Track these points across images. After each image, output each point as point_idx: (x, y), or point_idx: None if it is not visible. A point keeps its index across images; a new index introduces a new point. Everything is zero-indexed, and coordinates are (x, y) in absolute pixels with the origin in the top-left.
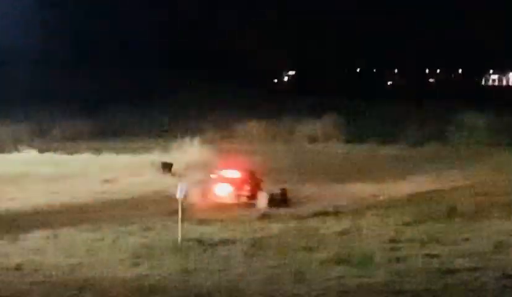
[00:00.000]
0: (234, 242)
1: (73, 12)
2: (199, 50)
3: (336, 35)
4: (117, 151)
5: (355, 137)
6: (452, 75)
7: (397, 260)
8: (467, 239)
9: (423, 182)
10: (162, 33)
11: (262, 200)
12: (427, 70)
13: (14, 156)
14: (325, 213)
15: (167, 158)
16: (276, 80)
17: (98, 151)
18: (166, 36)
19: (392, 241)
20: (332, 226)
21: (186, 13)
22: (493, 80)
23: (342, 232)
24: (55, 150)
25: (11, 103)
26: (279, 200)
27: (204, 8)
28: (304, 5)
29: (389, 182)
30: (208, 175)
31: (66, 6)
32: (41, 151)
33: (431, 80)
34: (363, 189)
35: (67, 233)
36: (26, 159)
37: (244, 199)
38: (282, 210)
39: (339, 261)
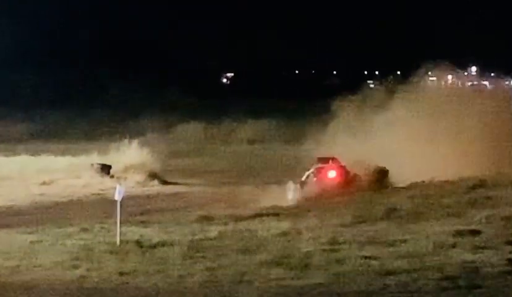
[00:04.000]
0: (172, 244)
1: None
2: (139, 51)
3: (274, 36)
4: (56, 153)
5: (293, 137)
6: (391, 76)
7: (337, 261)
8: (406, 241)
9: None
10: (101, 34)
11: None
12: (365, 72)
13: None
14: (265, 215)
15: (105, 160)
16: (214, 81)
17: (35, 153)
18: (104, 36)
19: (331, 242)
20: (271, 227)
21: (127, 15)
22: (432, 82)
23: (282, 234)
24: None
25: None
26: None
27: (146, 10)
28: (243, 5)
29: None
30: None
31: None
32: None
33: (369, 81)
34: None
35: (4, 235)
36: None
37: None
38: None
39: (279, 263)
